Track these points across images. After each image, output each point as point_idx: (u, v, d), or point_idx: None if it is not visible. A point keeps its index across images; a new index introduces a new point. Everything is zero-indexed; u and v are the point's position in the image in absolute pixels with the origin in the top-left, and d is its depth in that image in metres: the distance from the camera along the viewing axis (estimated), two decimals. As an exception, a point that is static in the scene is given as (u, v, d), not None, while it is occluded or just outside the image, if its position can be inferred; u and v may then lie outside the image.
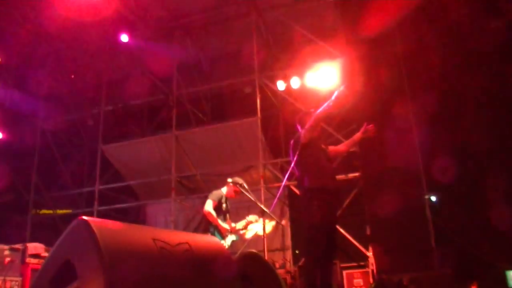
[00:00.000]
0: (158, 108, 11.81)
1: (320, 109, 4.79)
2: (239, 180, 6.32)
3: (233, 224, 6.25)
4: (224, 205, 6.28)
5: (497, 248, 6.92)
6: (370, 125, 5.13)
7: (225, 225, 6.11)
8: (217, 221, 6.01)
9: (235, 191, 6.31)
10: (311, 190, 4.69)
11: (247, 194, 6.17)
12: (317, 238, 4.54)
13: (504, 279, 6.29)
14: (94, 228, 1.91)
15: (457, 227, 7.15)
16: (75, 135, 12.75)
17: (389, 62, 8.33)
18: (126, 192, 11.85)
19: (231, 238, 6.13)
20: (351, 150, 5.56)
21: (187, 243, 2.33)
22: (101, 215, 10.71)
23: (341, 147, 5.43)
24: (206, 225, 6.14)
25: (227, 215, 6.31)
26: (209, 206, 6.05)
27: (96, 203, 10.91)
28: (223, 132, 10.39)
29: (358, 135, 5.22)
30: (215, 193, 6.25)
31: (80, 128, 12.68)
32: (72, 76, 11.87)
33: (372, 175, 8.37)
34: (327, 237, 4.61)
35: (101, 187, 11.09)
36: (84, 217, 2.01)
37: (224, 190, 6.36)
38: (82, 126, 12.61)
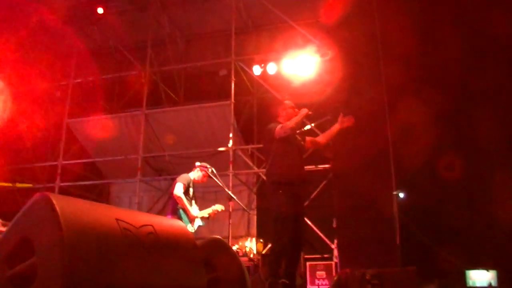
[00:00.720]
0: (129, 85, 11.61)
1: (289, 122, 4.87)
2: (207, 165, 6.37)
3: (200, 211, 6.29)
4: (191, 190, 6.29)
5: (458, 247, 7.13)
6: (348, 116, 5.19)
7: (194, 211, 6.13)
8: (187, 206, 6.02)
9: (204, 176, 6.34)
10: (277, 183, 4.75)
11: (215, 179, 6.20)
12: (282, 229, 4.60)
13: (463, 278, 6.50)
14: (56, 205, 1.87)
15: (422, 225, 7.31)
16: (40, 106, 12.42)
17: (369, 54, 8.39)
18: (90, 169, 11.69)
19: (197, 223, 6.17)
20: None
21: (151, 225, 2.32)
22: (63, 191, 10.55)
23: (320, 139, 5.47)
24: (173, 208, 6.14)
25: (193, 201, 6.33)
26: (179, 189, 6.05)
27: (58, 178, 10.74)
28: (194, 114, 10.32)
29: (336, 127, 5.27)
30: (184, 177, 6.26)
31: (47, 99, 12.37)
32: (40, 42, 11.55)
33: (343, 168, 8.46)
34: (294, 228, 4.67)
35: (64, 162, 10.90)
36: (46, 193, 1.97)
37: (192, 174, 6.38)
38: (49, 97, 12.31)
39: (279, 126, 4.94)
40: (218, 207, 6.45)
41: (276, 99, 9.43)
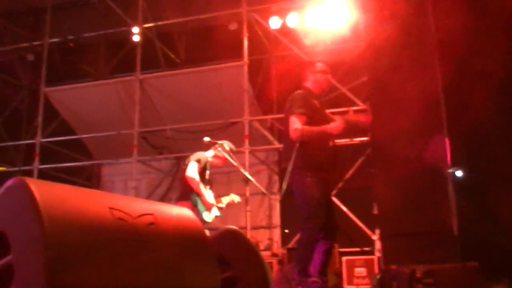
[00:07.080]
0: (118, 44, 11.61)
1: (309, 131, 4.82)
2: (226, 142, 6.35)
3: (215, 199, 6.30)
4: (207, 172, 6.28)
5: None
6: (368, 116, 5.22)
7: (210, 198, 6.11)
8: (201, 191, 6.01)
9: (222, 159, 6.32)
10: (301, 168, 4.75)
11: (228, 157, 6.18)
12: (315, 215, 4.62)
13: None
14: (34, 191, 1.86)
15: (486, 211, 7.23)
16: (10, 73, 12.47)
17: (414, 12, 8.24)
18: (76, 148, 11.76)
19: (214, 212, 6.16)
20: None
21: (151, 214, 2.31)
22: (43, 175, 10.65)
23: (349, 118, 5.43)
24: (183, 193, 6.11)
25: (208, 186, 6.32)
26: (193, 170, 6.03)
27: (37, 159, 10.83)
28: (200, 78, 10.30)
29: (362, 117, 5.37)
30: (200, 155, 6.24)
31: (18, 65, 12.41)
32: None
33: (384, 141, 8.36)
34: (327, 214, 4.70)
35: (43, 140, 10.97)
36: (22, 178, 1.97)
37: (209, 154, 6.34)
38: (21, 61, 12.35)
39: (295, 123, 4.86)
40: (235, 197, 6.47)
41: (300, 59, 9.35)
